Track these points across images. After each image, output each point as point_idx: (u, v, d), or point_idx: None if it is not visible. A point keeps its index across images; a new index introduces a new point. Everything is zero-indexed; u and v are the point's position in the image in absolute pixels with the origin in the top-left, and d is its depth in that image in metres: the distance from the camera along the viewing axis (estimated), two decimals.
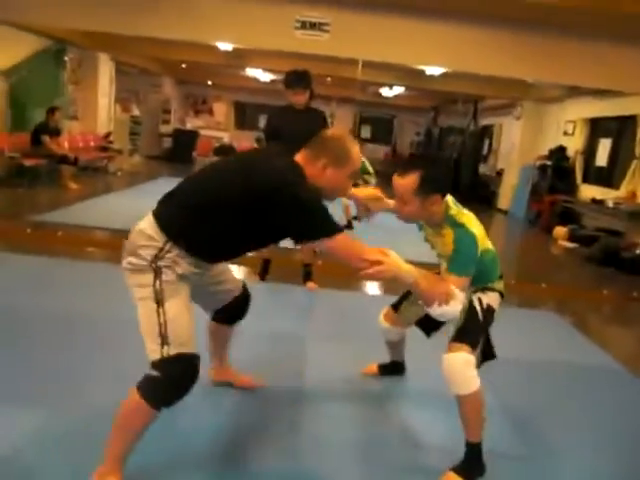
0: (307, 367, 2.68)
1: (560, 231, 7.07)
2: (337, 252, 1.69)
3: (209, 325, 2.19)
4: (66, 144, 7.89)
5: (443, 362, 1.82)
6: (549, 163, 8.06)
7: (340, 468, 1.90)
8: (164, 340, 1.57)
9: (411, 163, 1.89)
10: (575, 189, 7.78)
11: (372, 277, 1.72)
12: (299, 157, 1.73)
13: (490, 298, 1.99)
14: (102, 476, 1.58)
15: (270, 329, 3.10)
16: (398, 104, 12.89)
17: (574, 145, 7.92)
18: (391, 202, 2.09)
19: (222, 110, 14.14)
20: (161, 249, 1.63)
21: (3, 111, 7.08)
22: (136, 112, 11.57)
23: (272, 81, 10.93)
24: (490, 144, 11.00)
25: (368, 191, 2.19)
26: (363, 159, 4.68)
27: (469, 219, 1.88)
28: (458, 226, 1.86)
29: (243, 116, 14.19)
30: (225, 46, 6.07)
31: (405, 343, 2.52)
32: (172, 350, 1.57)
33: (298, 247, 3.52)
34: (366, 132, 14.71)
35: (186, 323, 1.64)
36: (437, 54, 4.85)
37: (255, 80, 11.29)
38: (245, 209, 1.62)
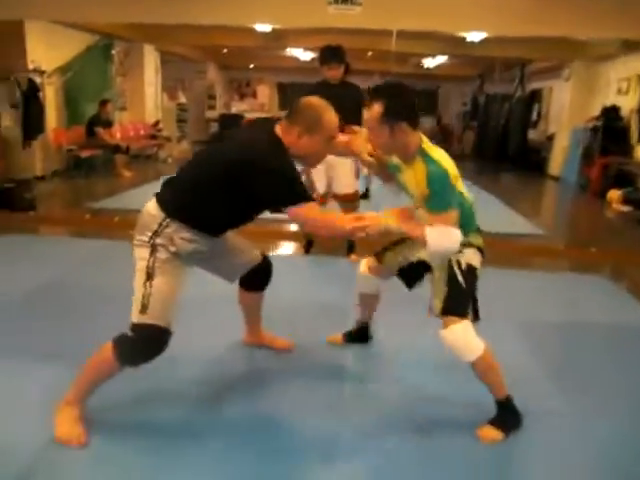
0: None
1: (614, 194, 6.81)
2: (305, 220, 1.83)
3: (238, 293, 2.36)
4: (118, 134, 8.25)
5: (443, 339, 1.88)
6: (601, 124, 7.73)
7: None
8: (144, 309, 1.76)
9: (375, 92, 1.83)
10: (630, 150, 7.44)
11: (362, 232, 1.78)
12: (278, 128, 1.84)
13: (468, 256, 1.94)
14: (63, 407, 1.83)
15: (314, 300, 3.22)
16: (441, 74, 12.58)
17: (628, 104, 7.54)
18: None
19: (265, 92, 14.28)
20: (160, 224, 1.80)
21: (60, 107, 7.47)
22: (182, 99, 11.87)
23: (312, 59, 10.92)
24: (539, 109, 10.61)
25: (362, 137, 2.06)
26: None
27: (441, 156, 1.84)
28: (430, 160, 1.80)
29: (286, 96, 14.25)
30: (263, 28, 6.16)
31: (378, 303, 2.49)
32: (147, 320, 1.75)
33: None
34: None
35: (167, 300, 1.80)
36: (475, 19, 4.74)
37: (296, 60, 11.32)
38: (227, 182, 1.77)
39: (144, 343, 1.77)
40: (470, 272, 1.92)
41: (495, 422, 1.92)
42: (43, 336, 2.56)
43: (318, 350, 2.58)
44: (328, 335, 2.62)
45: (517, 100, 10.26)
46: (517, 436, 1.93)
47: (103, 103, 7.55)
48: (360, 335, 2.59)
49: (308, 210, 1.77)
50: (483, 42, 7.09)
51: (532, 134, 10.41)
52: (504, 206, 6.54)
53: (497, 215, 6.13)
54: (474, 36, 6.33)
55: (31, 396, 2.05)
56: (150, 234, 1.81)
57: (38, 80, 6.46)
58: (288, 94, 14.05)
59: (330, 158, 3.79)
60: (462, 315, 1.87)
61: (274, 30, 6.61)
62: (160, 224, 1.81)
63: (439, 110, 14.56)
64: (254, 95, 14.26)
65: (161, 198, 1.86)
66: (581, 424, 2.07)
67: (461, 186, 1.90)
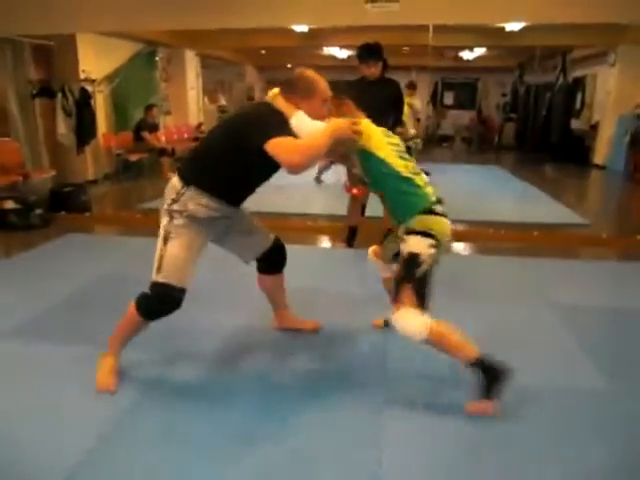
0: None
1: None
2: (285, 149, 1.88)
3: (257, 278, 2.54)
4: (163, 138, 8.55)
5: (394, 326, 1.99)
6: None
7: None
8: (159, 269, 2.04)
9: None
10: None
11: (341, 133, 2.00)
12: (279, 103, 2.05)
13: (410, 244, 2.00)
14: (103, 357, 2.22)
15: (355, 293, 3.33)
16: (480, 66, 12.42)
17: None
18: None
19: None
20: (178, 193, 2.05)
21: (108, 113, 7.82)
22: (223, 102, 12.15)
23: (349, 57, 10.99)
24: (583, 97, 10.36)
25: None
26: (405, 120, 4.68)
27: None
28: None
29: None
30: (301, 28, 6.29)
31: None
32: (161, 278, 2.04)
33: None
34: (449, 98, 14.35)
35: (179, 262, 2.05)
36: (514, 9, 4.71)
37: (332, 58, 11.41)
38: (231, 142, 2.00)
39: (158, 299, 2.06)
40: (410, 260, 1.99)
41: (486, 389, 1.95)
42: (103, 325, 2.75)
43: (349, 334, 2.69)
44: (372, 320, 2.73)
45: (559, 89, 10.04)
46: (561, 412, 1.98)
47: (149, 108, 7.84)
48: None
49: (288, 142, 1.90)
50: (522, 31, 6.98)
51: (575, 123, 10.17)
52: (548, 197, 6.47)
53: (541, 206, 6.08)
54: (513, 25, 6.27)
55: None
56: (170, 202, 2.07)
57: (90, 89, 6.78)
58: None
59: None
60: (402, 302, 1.97)
61: (311, 29, 6.72)
62: (178, 192, 2.06)
63: (479, 102, 14.37)
64: None
65: (180, 170, 2.13)
66: (624, 405, 2.10)
67: (392, 159, 2.03)
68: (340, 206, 4.50)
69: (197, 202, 2.05)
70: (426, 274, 1.99)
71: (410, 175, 2.04)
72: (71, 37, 6.51)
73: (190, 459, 1.80)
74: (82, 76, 6.78)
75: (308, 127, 2.00)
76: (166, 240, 2.06)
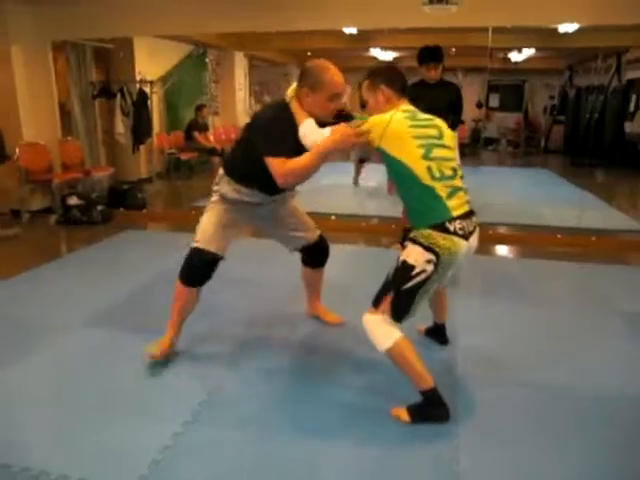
0: (457, 327, 2.89)
1: None
2: (277, 173, 2.05)
3: (301, 269, 2.76)
4: (212, 138, 8.72)
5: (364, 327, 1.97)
6: None
7: None
8: (195, 237, 2.36)
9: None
10: None
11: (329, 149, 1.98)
12: (293, 105, 2.12)
13: (409, 253, 1.91)
14: (166, 332, 2.45)
15: None
16: (528, 68, 12.18)
17: None
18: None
19: (347, 92, 14.43)
20: (219, 177, 2.38)
21: (161, 113, 8.04)
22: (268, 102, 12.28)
23: (394, 59, 10.96)
24: (638, 99, 10.05)
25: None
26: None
27: (393, 116, 1.94)
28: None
29: None
30: (350, 29, 6.31)
31: (444, 300, 2.55)
32: (194, 244, 2.35)
33: None
34: (494, 100, 14.10)
35: (208, 231, 2.33)
36: (573, 10, 4.64)
37: (376, 59, 11.39)
38: (247, 139, 2.24)
39: (191, 261, 2.35)
40: (402, 269, 1.90)
41: (410, 407, 2.00)
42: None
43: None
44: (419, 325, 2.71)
45: (612, 91, 9.77)
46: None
47: (199, 108, 8.03)
48: (435, 332, 2.66)
49: (278, 164, 2.03)
50: (576, 32, 6.83)
51: (629, 127, 9.87)
52: (601, 202, 6.32)
53: (595, 211, 5.93)
54: (567, 27, 6.15)
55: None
56: (213, 186, 2.41)
57: (147, 89, 7.00)
58: None
59: None
60: (374, 305, 1.95)
61: (360, 31, 6.75)
62: (219, 177, 2.39)
63: (525, 104, 14.08)
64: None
65: (222, 161, 2.49)
66: None
67: (412, 160, 1.87)
68: (393, 208, 4.52)
69: (230, 187, 2.35)
70: (415, 289, 1.88)
71: (431, 183, 1.87)
72: (128, 40, 6.73)
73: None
74: (138, 77, 7.00)
75: (312, 138, 2.01)
76: (204, 213, 2.40)
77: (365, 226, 5.08)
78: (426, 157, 1.88)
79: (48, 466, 1.78)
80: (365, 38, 8.23)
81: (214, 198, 2.40)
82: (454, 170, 1.96)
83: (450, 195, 1.89)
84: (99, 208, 5.21)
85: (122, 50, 6.82)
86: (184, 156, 7.76)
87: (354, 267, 3.83)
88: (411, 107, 2.05)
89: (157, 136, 7.69)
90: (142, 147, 7.18)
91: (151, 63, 7.41)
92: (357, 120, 2.01)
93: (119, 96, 6.69)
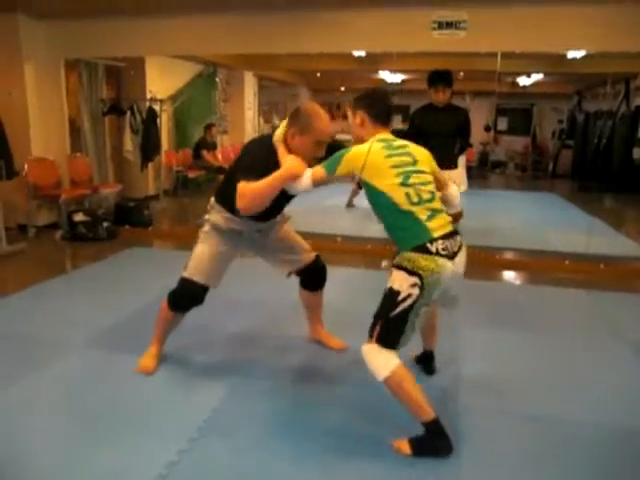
0: (462, 354, 2.84)
1: None
2: (239, 194, 2.08)
3: (299, 291, 2.74)
4: (220, 156, 8.77)
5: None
6: None
7: None
8: (185, 267, 2.42)
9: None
10: None
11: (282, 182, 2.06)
12: (278, 145, 2.16)
13: (394, 279, 1.91)
14: (148, 349, 2.56)
15: None
16: (537, 92, 12.25)
17: None
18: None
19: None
20: (210, 206, 2.44)
21: (170, 131, 8.11)
22: (277, 122, 12.38)
23: (403, 81, 11.05)
24: None
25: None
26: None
27: (372, 147, 1.98)
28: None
29: None
30: (359, 52, 6.38)
31: (434, 325, 2.50)
32: (185, 274, 2.40)
33: None
34: (502, 124, 14.15)
35: (201, 262, 2.38)
36: (581, 37, 4.65)
37: (384, 82, 11.49)
38: (235, 176, 2.19)
39: (181, 292, 2.42)
40: (388, 296, 1.91)
41: (412, 439, 1.96)
42: (170, 338, 2.84)
43: None
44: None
45: (621, 117, 9.78)
46: None
47: (208, 127, 8.09)
48: (423, 360, 2.60)
49: (240, 185, 2.08)
50: (584, 58, 6.87)
51: (637, 152, 9.84)
52: (609, 228, 6.27)
53: (602, 237, 5.88)
54: (576, 52, 6.18)
55: (178, 375, 2.31)
56: (205, 215, 2.45)
57: (157, 107, 7.07)
58: None
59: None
60: (369, 335, 1.94)
61: (369, 53, 6.82)
62: (210, 206, 2.44)
63: (534, 128, 14.13)
64: (344, 117, 14.56)
65: (215, 189, 2.52)
66: None
67: (391, 189, 1.91)
68: None
69: (220, 215, 2.39)
70: (404, 315, 1.88)
71: (410, 208, 1.90)
72: (140, 59, 6.82)
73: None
74: (148, 95, 7.07)
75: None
76: (196, 243, 2.45)
77: (364, 248, 5.05)
78: (404, 184, 1.93)
79: None
80: (374, 60, 8.32)
81: (206, 228, 2.44)
82: (432, 193, 1.99)
83: (430, 217, 1.92)
84: (105, 225, 5.22)
85: (133, 68, 6.91)
86: (192, 174, 7.80)
87: (355, 289, 3.79)
88: (388, 135, 2.08)
89: (165, 154, 7.75)
90: (150, 164, 7.23)
91: (162, 81, 7.50)
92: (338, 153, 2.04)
93: (129, 114, 6.76)
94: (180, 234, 5.56)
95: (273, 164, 2.11)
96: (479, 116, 12.29)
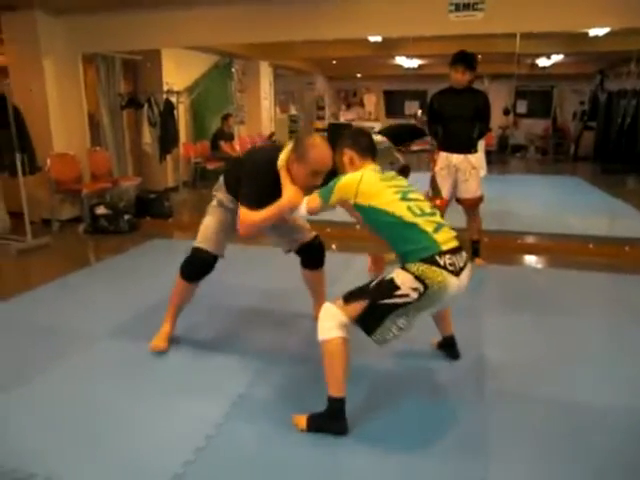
0: (484, 339, 2.83)
1: None
2: (240, 214, 2.30)
3: (301, 272, 2.89)
4: (238, 147, 8.79)
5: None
6: None
7: None
8: (196, 237, 2.61)
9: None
10: None
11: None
12: (281, 168, 2.28)
13: (399, 276, 1.90)
14: (164, 326, 2.72)
15: None
16: (557, 73, 11.99)
17: None
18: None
19: (372, 100, 14.44)
20: (218, 184, 2.62)
21: (188, 123, 8.15)
22: (293, 111, 12.36)
23: (420, 66, 10.91)
24: None
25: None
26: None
27: (365, 176, 2.06)
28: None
29: (393, 104, 14.32)
30: (375, 38, 6.30)
31: (444, 315, 2.49)
32: (195, 244, 2.60)
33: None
34: (522, 107, 13.90)
35: (208, 232, 2.58)
36: (603, 13, 4.53)
37: (401, 67, 11.36)
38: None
39: (191, 259, 2.61)
40: (388, 285, 1.90)
41: (311, 416, 2.01)
42: (194, 329, 2.87)
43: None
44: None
45: None
46: None
47: (225, 118, 8.11)
48: (444, 346, 2.59)
49: (243, 212, 2.28)
50: (607, 36, 6.68)
51: None
52: (633, 210, 6.14)
53: (628, 219, 5.77)
54: (598, 30, 6.01)
55: (200, 376, 2.35)
56: (213, 191, 2.65)
57: (173, 100, 7.10)
58: (395, 101, 14.13)
59: (458, 162, 3.85)
60: (345, 301, 1.94)
61: (385, 39, 6.73)
62: (218, 184, 2.62)
63: (554, 110, 13.85)
64: (361, 104, 14.47)
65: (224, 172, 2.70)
66: None
67: (393, 205, 1.96)
68: None
69: (226, 196, 2.57)
70: (390, 308, 1.89)
71: (414, 219, 1.93)
72: (156, 52, 6.85)
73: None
74: (165, 88, 7.11)
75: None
76: (205, 216, 2.63)
77: None
78: (404, 199, 1.99)
79: (72, 477, 1.79)
80: (390, 46, 8.22)
81: (213, 203, 2.63)
82: (432, 209, 2.05)
83: (436, 229, 1.95)
84: (126, 217, 5.29)
85: (150, 61, 6.94)
86: (210, 165, 7.83)
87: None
88: (377, 167, 2.18)
89: (183, 146, 7.79)
90: (169, 157, 7.28)
91: (178, 73, 7.53)
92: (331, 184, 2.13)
93: (146, 106, 6.80)
94: (200, 225, 5.60)
95: (275, 188, 2.24)
96: (498, 99, 12.08)
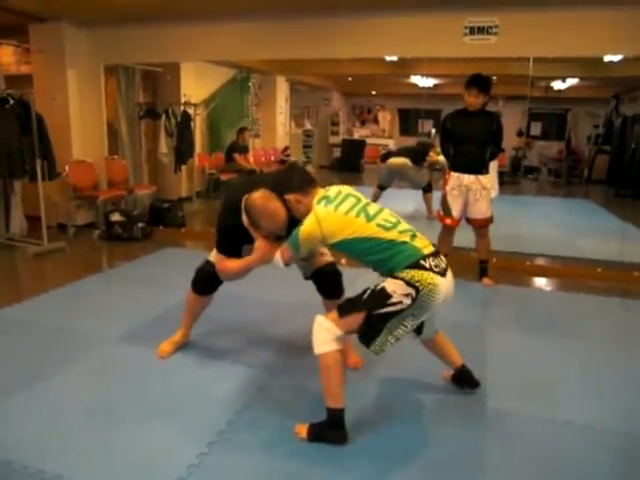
0: (488, 358, 2.84)
1: None
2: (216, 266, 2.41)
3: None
4: (252, 159, 8.90)
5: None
6: None
7: None
8: (208, 247, 2.61)
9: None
10: None
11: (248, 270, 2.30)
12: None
13: (389, 284, 1.95)
14: (176, 333, 2.80)
15: (445, 317, 3.31)
16: (572, 96, 12.01)
17: None
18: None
19: (386, 118, 14.55)
20: None
21: (203, 135, 8.28)
22: (308, 126, 12.50)
23: (435, 85, 11.00)
24: None
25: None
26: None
27: (322, 211, 2.01)
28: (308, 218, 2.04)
29: (407, 122, 14.42)
30: (391, 57, 6.41)
31: (441, 347, 2.44)
32: (208, 256, 2.61)
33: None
34: (536, 129, 13.93)
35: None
36: (617, 41, 4.56)
37: (415, 86, 11.46)
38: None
39: (199, 271, 2.65)
40: (380, 294, 1.94)
41: (312, 425, 2.06)
42: (203, 338, 2.92)
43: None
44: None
45: None
46: None
47: (241, 131, 8.22)
48: (459, 378, 2.48)
49: (218, 259, 2.38)
50: (622, 61, 6.72)
51: None
52: None
53: (636, 245, 5.75)
54: (613, 56, 6.07)
55: (202, 382, 2.39)
56: None
57: (191, 111, 7.24)
58: (409, 120, 14.23)
59: (469, 183, 3.89)
60: (339, 314, 1.97)
61: (400, 58, 6.84)
62: None
63: (569, 133, 13.85)
64: (375, 121, 14.59)
65: None
66: None
67: (363, 230, 1.96)
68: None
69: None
70: (387, 317, 1.92)
71: (387, 235, 1.97)
72: (176, 64, 7.00)
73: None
74: (183, 100, 7.25)
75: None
76: None
77: None
78: (368, 218, 2.00)
79: (80, 475, 1.84)
80: (405, 65, 8.33)
81: None
82: (394, 216, 2.09)
83: (413, 237, 2.01)
84: (140, 225, 5.38)
85: (169, 73, 7.09)
86: (224, 177, 7.93)
87: None
88: (320, 192, 2.13)
89: (198, 156, 7.91)
90: (183, 167, 7.40)
91: (196, 86, 7.67)
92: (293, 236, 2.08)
93: (164, 117, 6.94)
94: (212, 236, 5.67)
95: (246, 236, 2.24)
96: (512, 121, 12.12)
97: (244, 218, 2.23)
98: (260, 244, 2.20)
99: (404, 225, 2.06)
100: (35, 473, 1.84)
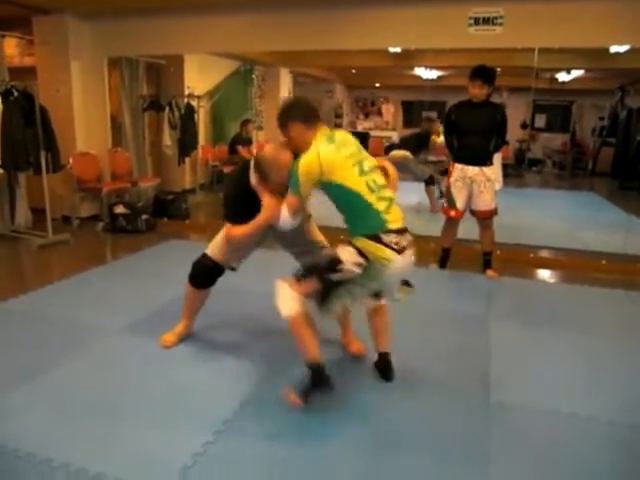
0: (491, 350, 2.85)
1: None
2: (228, 235, 2.40)
3: None
4: (254, 151, 8.89)
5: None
6: None
7: None
8: (208, 247, 2.64)
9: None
10: None
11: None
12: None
13: (343, 253, 2.05)
14: (178, 325, 2.80)
15: (449, 310, 3.33)
16: (577, 88, 11.92)
17: None
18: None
19: (390, 110, 14.49)
20: None
21: (207, 127, 8.27)
22: None
23: (439, 77, 10.94)
24: None
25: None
26: None
27: (320, 147, 2.06)
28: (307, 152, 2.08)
29: (410, 114, 14.36)
30: (394, 49, 6.37)
31: (382, 323, 2.46)
32: (206, 251, 2.63)
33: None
34: (540, 121, 13.85)
35: (220, 245, 2.58)
36: (622, 31, 4.53)
37: (419, 78, 11.39)
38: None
39: (196, 264, 2.66)
40: (331, 260, 2.05)
41: (297, 387, 2.16)
42: (206, 330, 2.93)
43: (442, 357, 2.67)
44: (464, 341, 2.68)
45: None
46: None
47: (245, 123, 8.20)
48: (379, 365, 2.49)
49: (227, 228, 2.37)
50: (628, 52, 6.66)
51: None
52: None
53: None
54: (618, 47, 6.01)
55: (204, 376, 2.40)
56: None
57: (194, 103, 7.23)
58: (413, 112, 14.17)
59: (473, 175, 3.88)
60: (296, 279, 2.07)
61: (404, 50, 6.80)
62: None
63: (573, 125, 13.78)
64: (379, 113, 14.53)
65: None
66: None
67: (353, 181, 2.04)
68: (433, 225, 4.50)
69: None
70: (337, 283, 2.07)
71: (369, 198, 2.04)
72: (179, 56, 6.98)
73: None
74: (186, 92, 7.23)
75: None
76: (221, 230, 2.59)
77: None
78: (362, 173, 2.07)
79: (86, 463, 1.86)
80: (409, 57, 8.28)
81: None
82: (382, 178, 2.15)
83: (387, 209, 2.07)
84: (144, 217, 5.39)
85: (173, 65, 7.08)
86: (227, 169, 7.91)
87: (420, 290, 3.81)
88: (325, 130, 2.17)
89: (202, 149, 7.91)
90: (187, 159, 7.39)
91: (200, 78, 7.65)
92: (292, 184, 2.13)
93: (167, 109, 6.92)
94: (216, 227, 5.67)
95: (253, 202, 2.27)
96: (516, 113, 12.04)
97: (252, 177, 2.29)
98: (267, 201, 2.23)
99: (386, 192, 2.12)
100: (42, 461, 1.86)
